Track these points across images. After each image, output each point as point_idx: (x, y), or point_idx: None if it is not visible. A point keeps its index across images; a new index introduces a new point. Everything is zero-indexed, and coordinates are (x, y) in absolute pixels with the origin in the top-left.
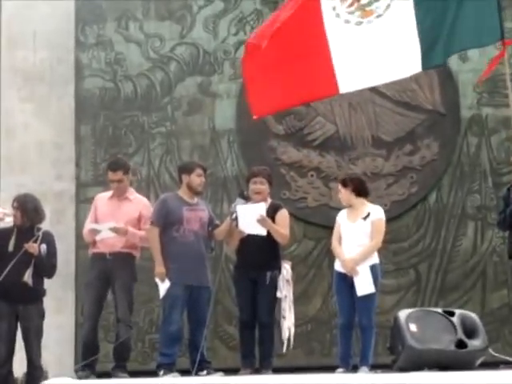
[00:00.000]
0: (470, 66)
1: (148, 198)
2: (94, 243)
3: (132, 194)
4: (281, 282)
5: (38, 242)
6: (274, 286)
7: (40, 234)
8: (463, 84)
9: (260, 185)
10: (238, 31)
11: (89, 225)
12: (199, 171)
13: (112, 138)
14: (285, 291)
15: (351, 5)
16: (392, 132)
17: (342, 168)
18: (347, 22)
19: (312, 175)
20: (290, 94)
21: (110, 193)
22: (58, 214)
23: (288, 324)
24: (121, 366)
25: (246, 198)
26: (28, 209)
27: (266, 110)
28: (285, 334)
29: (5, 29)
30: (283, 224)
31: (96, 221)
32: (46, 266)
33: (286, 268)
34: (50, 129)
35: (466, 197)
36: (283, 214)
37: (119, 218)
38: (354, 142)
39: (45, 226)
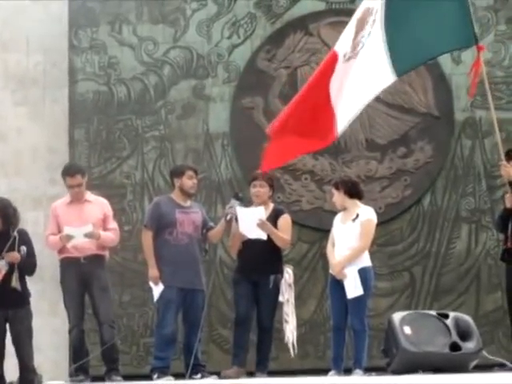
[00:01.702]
0: (464, 68)
1: (142, 201)
2: (64, 247)
3: (89, 195)
4: (283, 286)
5: (16, 244)
6: (276, 290)
7: (16, 235)
8: (457, 87)
9: (260, 188)
10: (232, 35)
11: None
12: (190, 173)
13: (106, 142)
14: (287, 295)
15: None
16: (386, 135)
17: (336, 171)
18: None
19: (306, 178)
20: (296, 143)
21: (65, 199)
22: None
23: (291, 328)
24: (113, 369)
25: (241, 200)
26: (10, 214)
27: (274, 163)
28: (289, 338)
29: None
30: (285, 229)
31: (59, 230)
32: (28, 267)
33: (289, 272)
34: (43, 133)
35: (459, 199)
36: (285, 219)
37: (86, 221)
38: (348, 144)
39: (38, 229)
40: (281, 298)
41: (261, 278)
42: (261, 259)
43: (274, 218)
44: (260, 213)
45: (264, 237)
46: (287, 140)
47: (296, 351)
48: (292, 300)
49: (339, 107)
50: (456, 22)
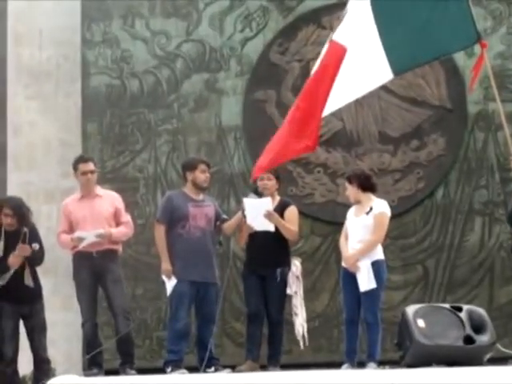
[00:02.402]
0: None
1: (155, 195)
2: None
3: (99, 189)
4: (290, 279)
5: (27, 240)
6: (283, 283)
7: (26, 231)
8: (469, 80)
9: (267, 180)
10: (244, 28)
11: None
12: (203, 167)
13: (118, 136)
14: (295, 287)
15: None
16: (399, 128)
17: (348, 164)
18: None
19: (319, 171)
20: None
21: (76, 195)
22: None
23: (300, 321)
24: (128, 362)
25: (260, 195)
26: (24, 214)
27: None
28: (299, 331)
29: (11, 26)
30: (292, 220)
31: (71, 227)
32: (38, 260)
33: (296, 264)
34: (56, 126)
35: (473, 192)
36: (292, 211)
37: (98, 219)
38: (361, 137)
39: (51, 223)
40: (288, 291)
41: (268, 272)
42: (268, 253)
43: (280, 210)
44: (267, 204)
45: (271, 228)
46: (280, 142)
47: (307, 343)
48: (300, 292)
49: (330, 95)
50: (457, 21)
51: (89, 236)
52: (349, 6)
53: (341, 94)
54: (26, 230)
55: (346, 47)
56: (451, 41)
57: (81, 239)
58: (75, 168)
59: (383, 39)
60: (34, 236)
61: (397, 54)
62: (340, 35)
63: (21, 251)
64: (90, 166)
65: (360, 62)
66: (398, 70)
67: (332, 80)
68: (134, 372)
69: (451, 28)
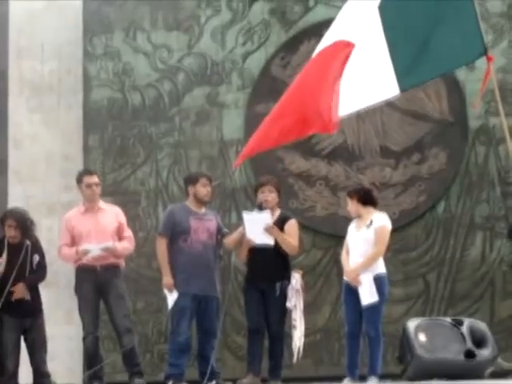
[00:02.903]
0: (478, 75)
1: (156, 208)
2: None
3: (102, 204)
4: (290, 292)
5: (29, 254)
6: (283, 297)
7: (29, 244)
8: (470, 93)
9: (269, 193)
10: (246, 41)
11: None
12: (204, 181)
13: (120, 149)
14: (294, 301)
15: None
16: (400, 141)
17: (350, 178)
18: None
19: (320, 184)
20: (283, 129)
21: (78, 209)
22: None
23: (298, 334)
24: (136, 373)
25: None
26: (27, 226)
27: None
28: (295, 344)
29: (13, 40)
30: (292, 234)
31: (74, 240)
32: (38, 278)
33: (296, 278)
34: (58, 139)
35: (474, 206)
36: (292, 224)
37: (103, 232)
38: (362, 151)
39: (53, 236)
40: (288, 304)
41: (268, 286)
42: (268, 267)
43: (280, 224)
44: (267, 218)
45: (271, 242)
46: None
47: (300, 358)
48: (300, 306)
49: (339, 95)
50: (466, 34)
51: (95, 249)
52: (351, 4)
53: (348, 98)
54: (28, 242)
55: (354, 43)
56: (459, 55)
57: (86, 252)
58: (79, 180)
59: (392, 51)
60: (37, 249)
61: (405, 69)
62: (347, 33)
63: (17, 293)
64: (95, 178)
65: (367, 67)
66: (405, 85)
67: (339, 71)
68: (142, 381)
69: (460, 42)
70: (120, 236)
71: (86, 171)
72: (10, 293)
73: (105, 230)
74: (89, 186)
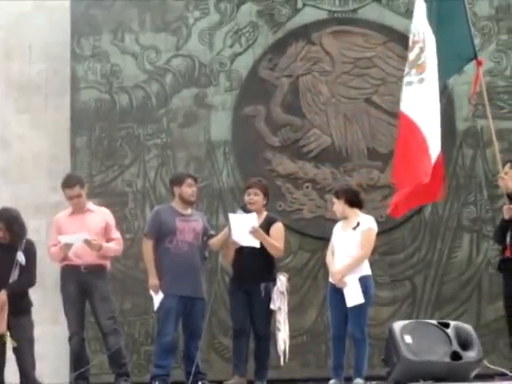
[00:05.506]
0: (465, 78)
1: (143, 209)
2: (66, 255)
3: (91, 205)
4: (274, 294)
5: (16, 256)
6: (268, 298)
7: (18, 259)
8: (458, 96)
9: (254, 196)
10: (234, 43)
11: (62, 238)
12: (190, 181)
13: (107, 150)
14: (278, 303)
15: (408, 67)
16: (387, 144)
17: (337, 180)
18: (409, 83)
19: (307, 187)
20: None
21: (67, 210)
22: None
23: (283, 336)
24: (122, 374)
25: (248, 211)
26: (18, 227)
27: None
28: (280, 347)
29: (1, 41)
30: (277, 237)
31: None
32: (22, 285)
33: (281, 280)
34: (45, 140)
35: (461, 209)
36: (278, 227)
37: (89, 232)
38: (350, 153)
39: (40, 237)
40: (272, 306)
41: (253, 287)
42: (253, 268)
43: (266, 226)
44: (253, 220)
45: (257, 244)
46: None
47: (287, 360)
48: (285, 308)
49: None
50: (460, 40)
51: (75, 240)
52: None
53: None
54: (18, 259)
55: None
56: (455, 61)
57: (68, 246)
58: (62, 189)
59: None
60: (26, 253)
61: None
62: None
63: None
64: (75, 190)
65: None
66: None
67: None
68: (128, 383)
69: (454, 48)
70: (108, 237)
71: (66, 183)
72: None
73: (90, 230)
74: (70, 198)
